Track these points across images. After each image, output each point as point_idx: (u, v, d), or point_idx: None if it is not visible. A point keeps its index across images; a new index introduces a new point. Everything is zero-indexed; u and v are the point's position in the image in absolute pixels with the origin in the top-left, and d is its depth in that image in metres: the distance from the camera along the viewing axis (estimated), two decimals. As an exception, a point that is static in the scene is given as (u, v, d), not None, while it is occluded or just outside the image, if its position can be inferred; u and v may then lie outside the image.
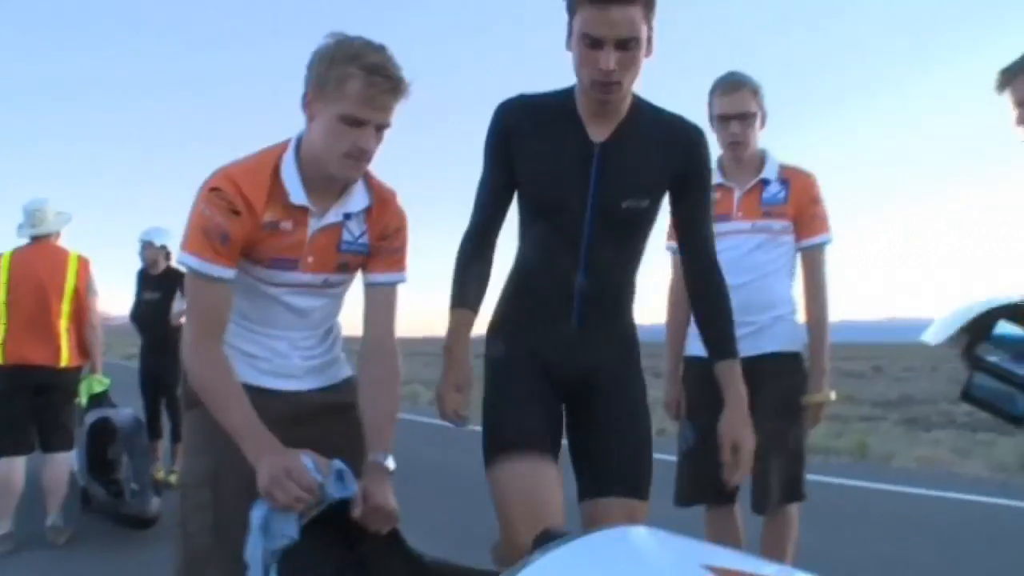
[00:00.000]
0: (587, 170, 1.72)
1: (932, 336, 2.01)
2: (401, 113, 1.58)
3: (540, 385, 1.78)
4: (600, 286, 1.78)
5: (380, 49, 1.53)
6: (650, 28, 1.61)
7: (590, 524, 1.73)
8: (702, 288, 1.86)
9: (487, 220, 1.82)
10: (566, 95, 1.77)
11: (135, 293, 5.53)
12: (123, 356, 25.48)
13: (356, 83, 1.49)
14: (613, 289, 1.83)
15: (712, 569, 0.78)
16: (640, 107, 1.77)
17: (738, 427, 1.78)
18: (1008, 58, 1.73)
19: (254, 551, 1.33)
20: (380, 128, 1.57)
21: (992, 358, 2.00)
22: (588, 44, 1.58)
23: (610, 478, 1.75)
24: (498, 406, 1.78)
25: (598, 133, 1.73)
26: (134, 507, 4.13)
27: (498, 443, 1.71)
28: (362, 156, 1.57)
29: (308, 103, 1.58)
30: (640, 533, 0.93)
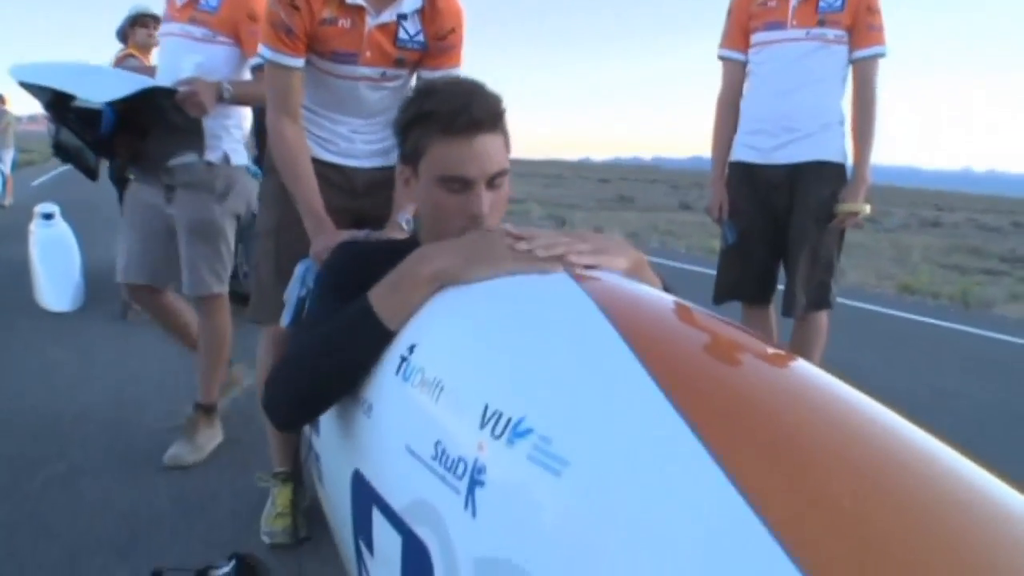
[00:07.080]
0: None
1: (23, 74, 2.34)
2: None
3: None
4: None
5: None
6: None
7: None
8: None
9: None
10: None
11: None
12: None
13: None
14: None
15: (596, 302, 0.89)
16: None
17: None
18: None
19: (292, 294, 1.66)
20: None
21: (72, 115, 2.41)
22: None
23: None
24: None
25: None
26: (247, 286, 4.68)
27: None
28: None
29: None
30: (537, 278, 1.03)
